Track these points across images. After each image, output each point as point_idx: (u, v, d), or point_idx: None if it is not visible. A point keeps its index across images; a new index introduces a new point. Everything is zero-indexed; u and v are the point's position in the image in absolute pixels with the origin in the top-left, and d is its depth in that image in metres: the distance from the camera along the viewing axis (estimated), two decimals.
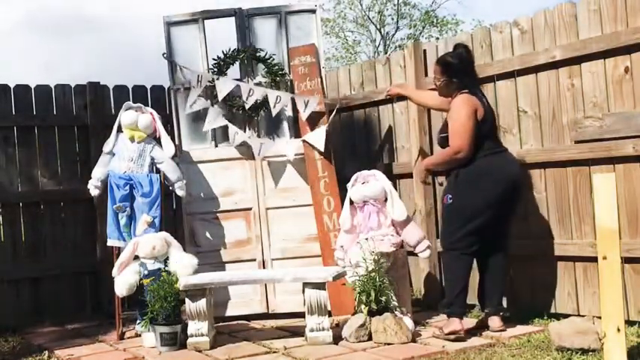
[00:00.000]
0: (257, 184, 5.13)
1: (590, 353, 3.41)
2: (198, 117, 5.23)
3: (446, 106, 4.35)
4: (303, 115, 5.03)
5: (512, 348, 3.76)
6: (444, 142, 4.24)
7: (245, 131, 5.15)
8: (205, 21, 5.22)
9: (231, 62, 5.20)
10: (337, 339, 4.11)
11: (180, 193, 4.92)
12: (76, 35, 50.02)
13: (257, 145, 5.06)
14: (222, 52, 5.19)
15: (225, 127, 5.13)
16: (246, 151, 5.13)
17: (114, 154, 4.82)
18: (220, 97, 5.06)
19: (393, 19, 25.21)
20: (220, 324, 4.74)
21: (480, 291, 4.37)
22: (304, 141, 5.03)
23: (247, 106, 5.06)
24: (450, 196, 4.18)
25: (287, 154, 5.02)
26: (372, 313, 4.11)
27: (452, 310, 4.12)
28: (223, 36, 5.42)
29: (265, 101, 5.07)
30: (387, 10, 25.09)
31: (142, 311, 4.39)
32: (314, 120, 5.06)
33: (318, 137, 5.00)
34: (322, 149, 5.00)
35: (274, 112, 5.06)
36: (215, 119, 5.10)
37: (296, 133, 5.18)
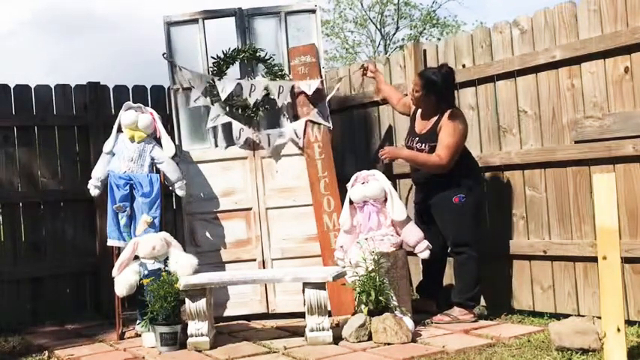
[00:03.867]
0: (257, 184, 5.13)
1: (590, 353, 3.41)
2: (199, 117, 5.23)
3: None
4: (310, 92, 5.05)
5: (512, 348, 3.75)
6: (430, 150, 4.52)
7: (247, 128, 5.14)
8: (205, 21, 5.22)
9: (231, 62, 5.21)
10: (337, 339, 4.10)
11: (180, 193, 4.92)
12: (83, 35, 50.18)
13: (265, 139, 5.07)
14: (222, 52, 5.19)
15: (228, 127, 5.13)
16: (247, 150, 5.13)
17: (114, 154, 4.82)
18: (223, 97, 5.06)
19: (393, 19, 25.22)
20: (220, 324, 4.75)
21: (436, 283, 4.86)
22: (309, 121, 5.05)
23: (251, 103, 5.06)
24: (463, 195, 4.48)
25: (295, 134, 5.06)
26: (372, 313, 4.11)
27: (476, 305, 4.57)
28: (223, 36, 5.42)
29: (265, 101, 5.08)
30: (388, 10, 25.11)
31: (142, 311, 4.39)
32: (315, 102, 5.09)
33: (322, 114, 5.05)
34: (329, 125, 5.04)
35: (279, 103, 5.08)
36: (217, 117, 5.11)
37: None
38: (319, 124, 5.08)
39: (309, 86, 5.06)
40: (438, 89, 4.51)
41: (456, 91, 4.98)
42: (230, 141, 5.17)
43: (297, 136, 5.07)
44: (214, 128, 5.19)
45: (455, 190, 4.49)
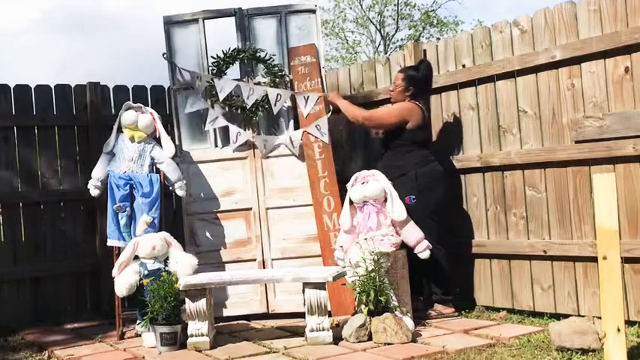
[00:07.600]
0: (257, 184, 5.13)
1: (590, 353, 3.41)
2: (199, 117, 5.23)
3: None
4: (304, 112, 5.03)
5: (512, 348, 3.75)
6: (384, 134, 4.96)
7: (245, 131, 5.14)
8: (205, 21, 5.22)
9: (231, 62, 5.20)
10: (337, 339, 4.10)
11: (180, 193, 4.92)
12: (92, 34, 50.18)
13: (261, 143, 5.07)
14: (222, 52, 5.19)
15: (226, 128, 5.13)
16: (246, 151, 5.13)
17: (114, 154, 4.82)
18: (221, 98, 5.06)
19: (393, 19, 25.23)
20: (220, 324, 4.75)
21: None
22: (306, 132, 5.03)
23: (248, 106, 5.06)
24: (413, 196, 4.62)
25: (291, 143, 5.05)
26: (372, 313, 4.11)
27: (453, 297, 4.72)
28: (223, 36, 5.42)
29: (264, 101, 5.08)
30: (388, 10, 25.12)
31: (142, 311, 4.39)
32: (315, 115, 5.06)
33: (321, 128, 5.02)
34: (326, 140, 5.01)
35: (275, 110, 5.07)
36: (215, 120, 5.11)
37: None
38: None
39: (306, 103, 5.04)
40: (416, 82, 4.82)
41: (455, 91, 4.99)
42: (229, 141, 5.17)
43: (293, 146, 5.07)
44: (215, 128, 5.19)
45: (408, 189, 4.61)
